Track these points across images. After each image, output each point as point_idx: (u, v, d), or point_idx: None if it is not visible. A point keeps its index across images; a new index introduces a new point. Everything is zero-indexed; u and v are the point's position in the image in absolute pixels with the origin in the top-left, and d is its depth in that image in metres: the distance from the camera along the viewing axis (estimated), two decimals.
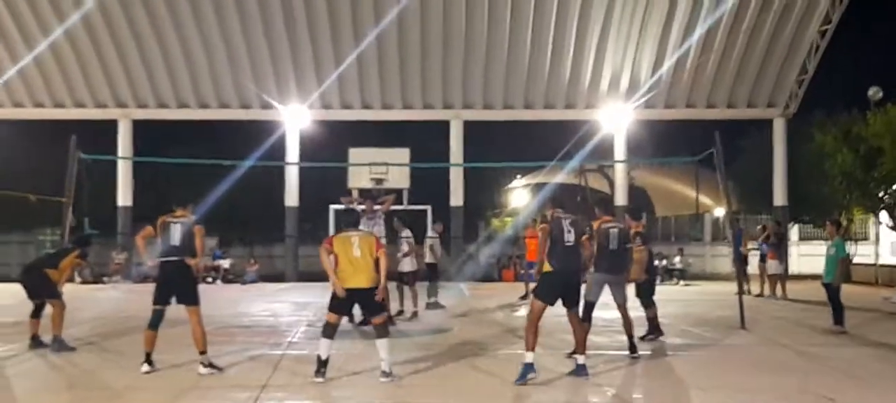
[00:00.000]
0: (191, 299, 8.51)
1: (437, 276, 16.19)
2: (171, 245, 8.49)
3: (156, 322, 8.48)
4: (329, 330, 8.12)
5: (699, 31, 23.54)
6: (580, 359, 8.33)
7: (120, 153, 25.12)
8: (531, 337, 8.12)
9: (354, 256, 8.15)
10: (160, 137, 27.73)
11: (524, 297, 16.50)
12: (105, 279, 23.75)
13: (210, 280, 23.55)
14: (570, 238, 8.38)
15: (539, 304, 8.29)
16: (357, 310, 9.70)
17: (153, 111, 25.75)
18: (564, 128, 26.73)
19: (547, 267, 8.33)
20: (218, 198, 19.37)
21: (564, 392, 7.85)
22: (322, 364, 8.05)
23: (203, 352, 8.44)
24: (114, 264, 24.33)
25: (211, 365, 8.44)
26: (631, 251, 10.04)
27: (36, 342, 10.16)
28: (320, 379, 7.97)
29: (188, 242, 8.54)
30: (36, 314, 10.28)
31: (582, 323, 8.55)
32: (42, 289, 10.17)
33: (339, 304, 8.24)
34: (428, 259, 15.67)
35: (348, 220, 8.81)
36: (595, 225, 9.68)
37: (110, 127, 25.53)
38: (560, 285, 8.31)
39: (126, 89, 25.21)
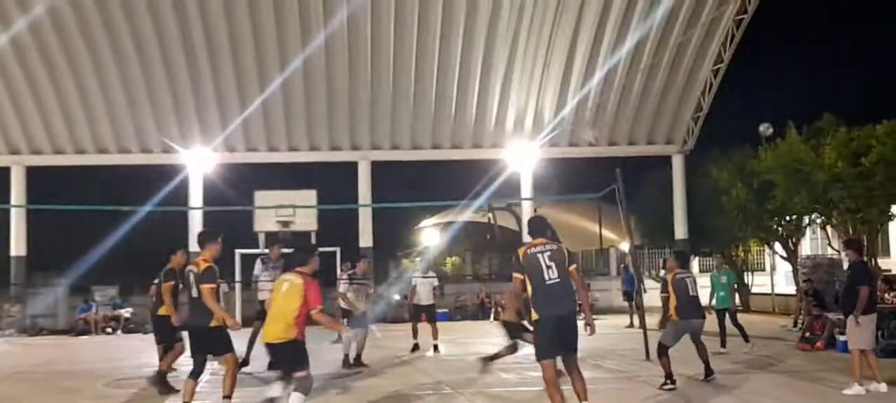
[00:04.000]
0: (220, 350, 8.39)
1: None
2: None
3: (195, 372, 8.36)
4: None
5: (599, 71, 24.12)
6: None
7: (13, 201, 24.05)
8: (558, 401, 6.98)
9: (276, 303, 7.44)
10: (55, 184, 26.70)
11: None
12: None
13: (110, 330, 22.60)
14: (551, 275, 7.04)
15: (548, 363, 7.00)
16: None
17: (48, 157, 24.81)
18: (472, 168, 27.01)
19: (534, 315, 7.08)
20: (116, 243, 18.93)
21: None
22: None
23: (227, 397, 8.20)
24: (6, 316, 23.07)
25: None
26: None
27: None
28: None
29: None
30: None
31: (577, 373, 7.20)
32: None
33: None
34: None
35: (290, 262, 7.77)
36: (669, 277, 10.11)
37: (3, 174, 24.48)
38: (552, 329, 7.00)
39: (19, 135, 24.23)
